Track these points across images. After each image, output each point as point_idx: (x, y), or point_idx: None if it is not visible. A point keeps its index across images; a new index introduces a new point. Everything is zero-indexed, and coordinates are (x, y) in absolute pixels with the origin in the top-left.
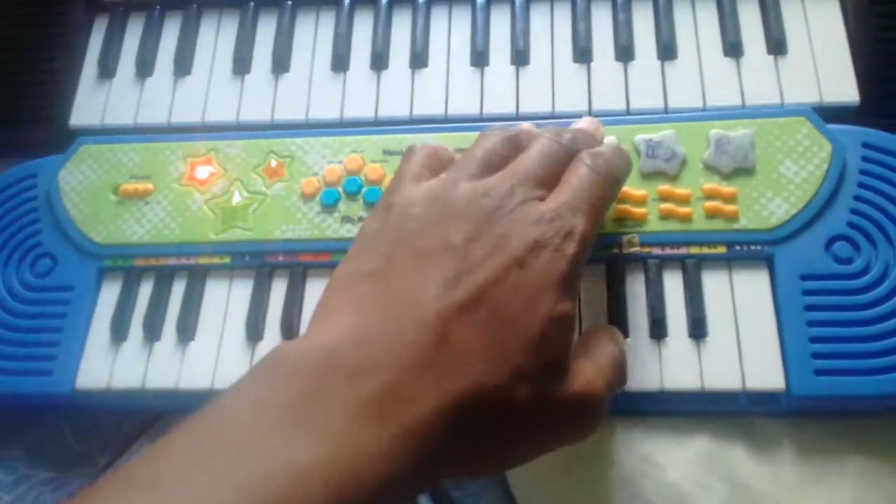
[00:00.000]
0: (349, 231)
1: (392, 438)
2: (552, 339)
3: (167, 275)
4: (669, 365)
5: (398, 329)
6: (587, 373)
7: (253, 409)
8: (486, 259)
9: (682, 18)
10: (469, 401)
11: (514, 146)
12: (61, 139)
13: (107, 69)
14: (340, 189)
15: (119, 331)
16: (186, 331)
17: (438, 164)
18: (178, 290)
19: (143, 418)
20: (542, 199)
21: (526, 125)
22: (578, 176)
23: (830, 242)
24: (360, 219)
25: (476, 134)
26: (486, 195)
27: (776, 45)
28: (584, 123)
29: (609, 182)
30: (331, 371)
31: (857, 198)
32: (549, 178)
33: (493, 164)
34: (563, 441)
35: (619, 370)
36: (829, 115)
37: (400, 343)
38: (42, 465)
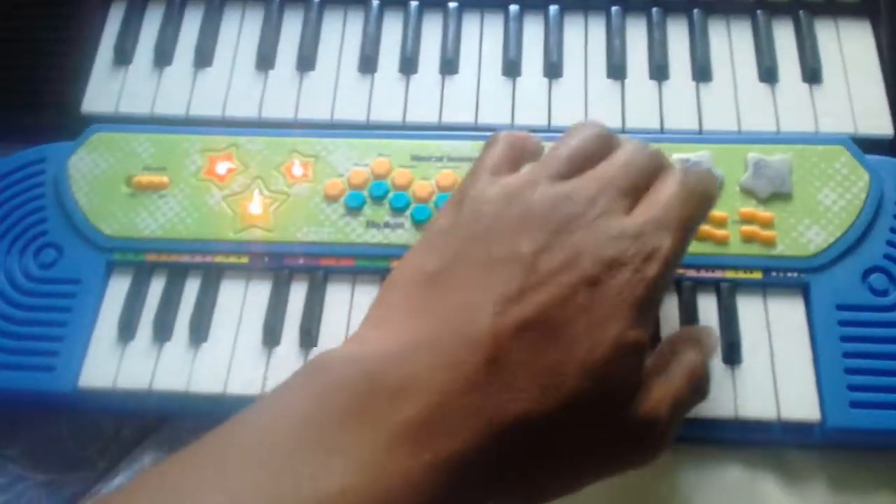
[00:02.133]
0: (374, 236)
1: (425, 468)
2: (618, 368)
3: (180, 272)
4: None
5: (448, 346)
6: (656, 393)
7: (286, 423)
8: (555, 275)
9: (717, 40)
10: (515, 430)
11: (606, 146)
12: (72, 126)
13: (123, 56)
14: (366, 192)
15: (127, 328)
16: (199, 331)
17: (521, 155)
18: (192, 288)
19: (144, 425)
20: (626, 210)
21: None
22: (669, 190)
23: (867, 273)
24: (386, 224)
25: None
26: (566, 199)
27: (811, 74)
28: None
29: (701, 202)
30: (371, 389)
31: (893, 230)
32: (636, 190)
33: (579, 164)
34: (622, 469)
35: (696, 388)
36: (861, 146)
37: (447, 362)
38: (38, 467)
